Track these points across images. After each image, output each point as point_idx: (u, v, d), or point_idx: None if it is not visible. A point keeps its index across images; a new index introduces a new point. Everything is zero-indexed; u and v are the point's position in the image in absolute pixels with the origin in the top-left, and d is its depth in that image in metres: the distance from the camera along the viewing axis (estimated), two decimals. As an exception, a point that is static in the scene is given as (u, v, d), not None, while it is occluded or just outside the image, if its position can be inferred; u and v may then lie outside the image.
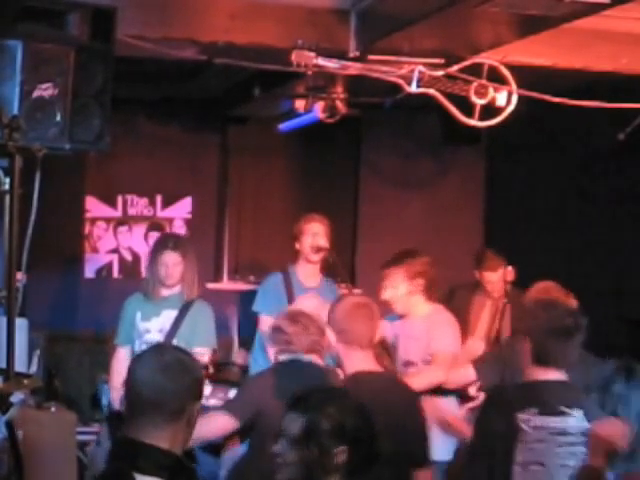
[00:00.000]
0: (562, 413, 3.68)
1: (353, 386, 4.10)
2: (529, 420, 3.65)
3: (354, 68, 5.06)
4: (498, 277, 6.27)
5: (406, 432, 3.98)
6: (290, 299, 6.00)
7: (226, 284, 8.18)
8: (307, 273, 6.13)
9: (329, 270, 6.52)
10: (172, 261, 5.63)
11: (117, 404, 5.51)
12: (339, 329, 4.10)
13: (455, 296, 6.50)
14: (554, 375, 3.74)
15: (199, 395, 2.81)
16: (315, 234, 6.04)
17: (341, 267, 6.42)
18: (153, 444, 2.69)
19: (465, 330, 5.97)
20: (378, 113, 7.22)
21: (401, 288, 5.31)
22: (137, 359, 2.86)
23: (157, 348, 2.97)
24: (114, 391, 5.60)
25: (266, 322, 5.59)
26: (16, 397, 3.49)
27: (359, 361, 4.05)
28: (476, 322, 6.31)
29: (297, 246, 6.14)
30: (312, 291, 5.96)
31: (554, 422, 3.67)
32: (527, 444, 3.65)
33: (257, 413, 4.15)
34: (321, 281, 6.16)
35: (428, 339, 5.26)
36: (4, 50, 3.83)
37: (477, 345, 5.99)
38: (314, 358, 4.35)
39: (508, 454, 3.64)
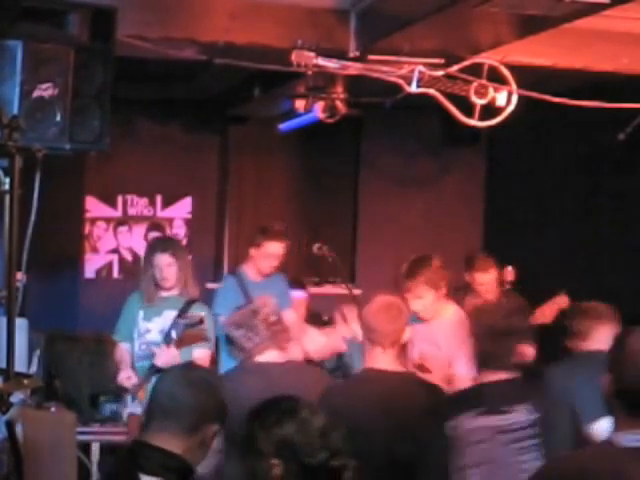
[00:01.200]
0: (504, 411, 3.63)
1: (360, 382, 4.20)
2: (462, 425, 3.61)
3: (354, 68, 5.06)
4: (490, 278, 6.25)
5: (416, 433, 3.94)
6: (246, 297, 6.02)
7: (226, 284, 8.17)
8: (255, 271, 6.17)
9: (329, 269, 6.53)
10: (164, 262, 5.65)
11: (126, 382, 5.58)
12: (365, 327, 4.23)
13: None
14: (498, 376, 3.70)
15: (217, 419, 2.82)
16: (271, 256, 6.05)
17: (341, 267, 6.42)
18: (161, 446, 2.71)
19: None
20: (378, 113, 7.21)
21: (427, 297, 5.27)
22: (166, 372, 2.91)
23: (188, 365, 3.02)
24: (121, 372, 5.66)
25: None
26: (16, 397, 3.49)
27: (378, 360, 4.12)
28: None
29: (252, 252, 6.14)
30: (261, 285, 5.99)
31: (496, 420, 3.63)
32: (467, 447, 3.62)
33: None
34: (269, 275, 6.17)
35: (448, 352, 5.19)
36: (4, 50, 3.83)
37: None
38: (271, 356, 4.34)
39: (445, 462, 3.62)
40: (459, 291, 6.49)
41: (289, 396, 2.97)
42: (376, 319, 4.14)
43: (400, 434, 3.95)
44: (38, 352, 5.17)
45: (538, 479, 2.90)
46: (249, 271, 6.20)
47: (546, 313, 6.02)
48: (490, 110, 5.20)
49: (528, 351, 6.04)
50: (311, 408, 2.89)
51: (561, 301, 6.05)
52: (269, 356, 4.33)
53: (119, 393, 5.68)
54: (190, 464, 2.77)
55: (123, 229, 8.10)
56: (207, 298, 8.06)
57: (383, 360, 4.11)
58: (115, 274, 8.07)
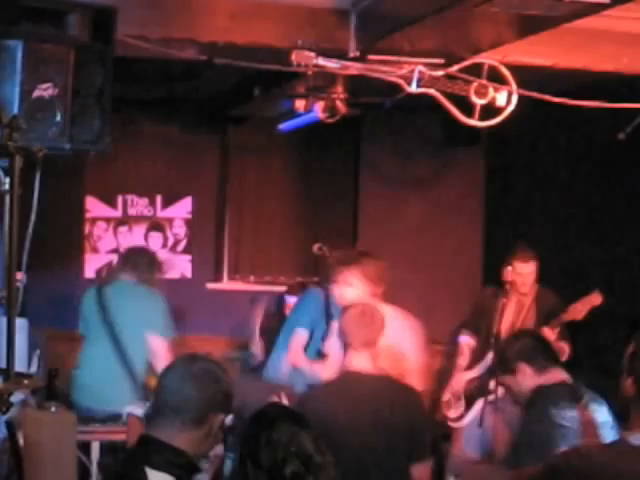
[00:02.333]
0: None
1: (337, 384, 4.37)
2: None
3: (354, 68, 5.06)
4: (529, 270, 6.27)
5: (398, 429, 4.13)
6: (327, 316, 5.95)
7: (226, 284, 8.18)
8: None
9: (328, 269, 6.50)
10: None
11: None
12: (340, 332, 4.44)
13: (484, 294, 6.55)
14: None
15: (223, 407, 2.86)
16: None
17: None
18: (168, 442, 2.74)
19: (491, 329, 6.01)
20: (378, 113, 7.22)
21: (359, 288, 5.22)
22: (170, 365, 2.96)
23: (190, 357, 3.04)
24: None
25: None
26: (16, 397, 3.49)
27: (353, 361, 4.30)
28: (500, 320, 6.32)
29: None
30: None
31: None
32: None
33: None
34: None
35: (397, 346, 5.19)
36: (4, 50, 3.82)
37: None
38: None
39: None
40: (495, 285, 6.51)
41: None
42: (349, 323, 4.36)
43: (376, 433, 4.09)
44: (38, 352, 5.17)
45: (549, 470, 2.95)
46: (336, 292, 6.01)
47: (579, 310, 6.03)
48: (490, 110, 5.20)
49: (564, 348, 6.13)
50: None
51: (594, 299, 6.06)
52: None
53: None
54: (195, 461, 2.80)
55: (123, 229, 8.10)
56: (207, 298, 8.07)
57: (357, 362, 4.29)
58: (115, 274, 8.06)
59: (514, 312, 6.31)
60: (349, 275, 5.25)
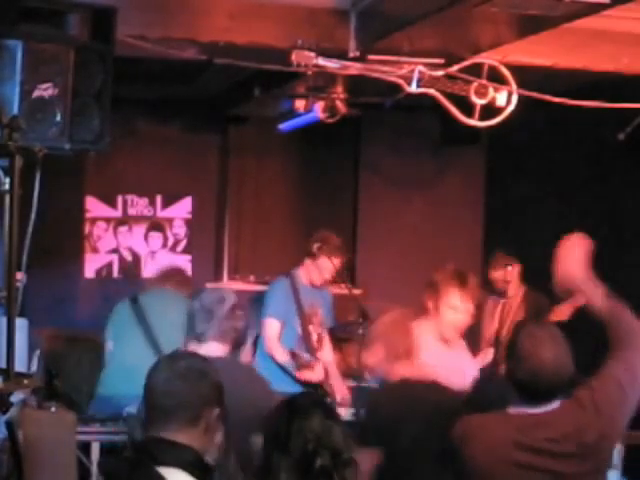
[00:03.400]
0: None
1: (390, 393, 4.26)
2: None
3: (354, 68, 5.06)
4: (507, 275, 6.29)
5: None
6: (297, 300, 5.97)
7: (226, 284, 8.18)
8: (307, 278, 6.08)
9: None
10: None
11: None
12: (384, 344, 4.29)
13: None
14: None
15: (216, 401, 2.81)
16: (325, 270, 5.96)
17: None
18: (172, 439, 2.71)
19: (478, 333, 6.02)
20: (378, 113, 7.22)
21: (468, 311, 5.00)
22: (154, 366, 2.88)
23: (173, 355, 2.98)
24: None
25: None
26: (16, 397, 3.49)
27: (402, 369, 4.20)
28: (490, 325, 6.34)
29: (307, 262, 6.02)
30: (313, 291, 5.99)
31: None
32: None
33: None
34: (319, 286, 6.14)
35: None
36: (4, 50, 3.83)
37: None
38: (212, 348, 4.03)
39: None
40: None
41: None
42: (390, 332, 4.26)
43: (429, 437, 3.93)
44: (38, 352, 5.16)
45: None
46: (303, 276, 6.09)
47: (563, 311, 6.04)
48: (490, 110, 5.20)
49: None
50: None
51: (578, 299, 6.08)
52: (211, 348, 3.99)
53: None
54: (205, 459, 2.76)
55: (123, 229, 8.11)
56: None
57: (406, 370, 4.18)
58: (115, 274, 8.07)
59: (500, 314, 6.32)
60: (465, 297, 4.91)
